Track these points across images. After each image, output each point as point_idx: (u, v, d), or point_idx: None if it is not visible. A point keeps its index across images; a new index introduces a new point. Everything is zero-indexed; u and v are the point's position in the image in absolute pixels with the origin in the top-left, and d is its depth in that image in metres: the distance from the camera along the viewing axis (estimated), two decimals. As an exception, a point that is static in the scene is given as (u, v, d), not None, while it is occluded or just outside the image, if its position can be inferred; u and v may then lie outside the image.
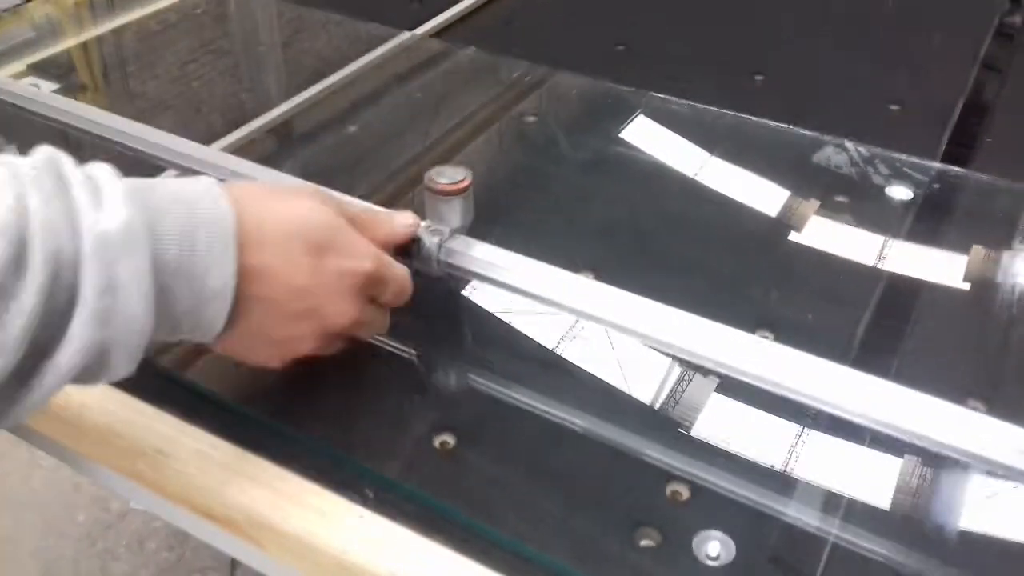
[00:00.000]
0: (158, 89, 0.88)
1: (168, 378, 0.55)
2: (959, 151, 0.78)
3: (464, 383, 0.56)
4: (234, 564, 1.55)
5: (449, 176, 0.57)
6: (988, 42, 0.95)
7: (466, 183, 0.58)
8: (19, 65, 0.91)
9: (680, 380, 0.54)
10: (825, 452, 0.49)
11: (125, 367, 0.41)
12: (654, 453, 0.50)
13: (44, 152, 0.41)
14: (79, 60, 0.95)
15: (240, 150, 0.76)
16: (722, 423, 0.51)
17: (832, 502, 0.46)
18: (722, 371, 0.49)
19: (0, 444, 1.76)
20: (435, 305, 0.59)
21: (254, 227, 0.45)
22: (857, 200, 0.70)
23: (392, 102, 0.86)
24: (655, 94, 0.83)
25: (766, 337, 0.55)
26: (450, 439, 0.51)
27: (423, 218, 0.57)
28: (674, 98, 0.82)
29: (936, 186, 0.72)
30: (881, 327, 0.58)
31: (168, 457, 0.51)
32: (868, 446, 0.49)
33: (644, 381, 0.54)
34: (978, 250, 0.64)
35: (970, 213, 0.71)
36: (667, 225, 0.70)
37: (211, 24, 1.01)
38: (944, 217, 0.70)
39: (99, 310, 0.39)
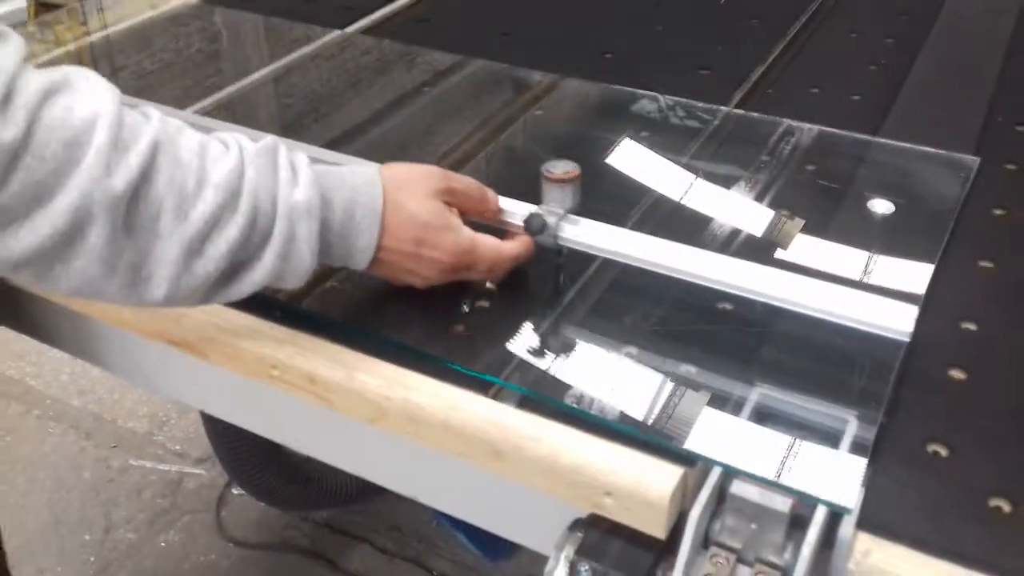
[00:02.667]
0: (135, 79, 1.14)
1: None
2: (748, 101, 1.02)
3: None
4: (219, 505, 1.78)
5: (563, 167, 0.74)
6: (799, 24, 1.20)
7: (576, 173, 0.74)
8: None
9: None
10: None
11: (293, 285, 0.64)
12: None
13: (268, 139, 0.63)
14: (71, 59, 1.20)
15: (208, 113, 1.01)
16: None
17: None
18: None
19: (13, 418, 2.01)
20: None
21: (388, 214, 0.66)
22: (659, 134, 0.95)
23: (329, 85, 1.11)
24: (535, 71, 1.08)
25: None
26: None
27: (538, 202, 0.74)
28: (550, 73, 1.07)
29: (715, 122, 0.96)
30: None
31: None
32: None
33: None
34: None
35: (735, 139, 0.95)
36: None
37: (180, 33, 1.27)
38: (719, 141, 0.94)
39: (282, 251, 0.61)
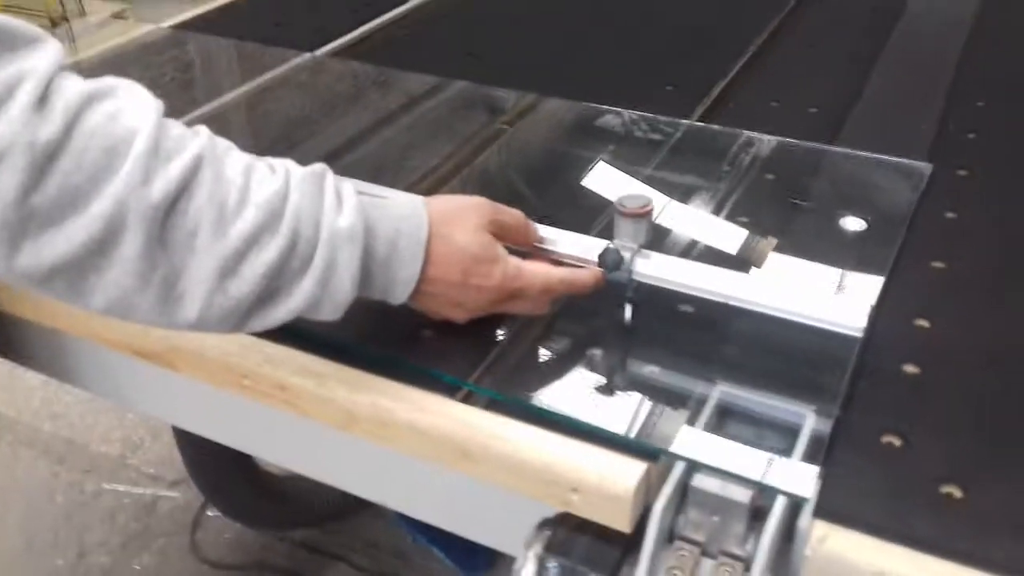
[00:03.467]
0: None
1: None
2: (710, 115, 1.05)
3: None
4: (194, 527, 1.78)
5: (637, 201, 0.70)
6: (760, 40, 1.23)
7: (651, 207, 0.70)
8: None
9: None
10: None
11: (330, 316, 0.62)
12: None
13: (317, 165, 0.62)
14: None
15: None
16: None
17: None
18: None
19: (-15, 444, 1.98)
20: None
21: (435, 245, 0.64)
22: (623, 147, 0.97)
23: (299, 108, 1.13)
24: (502, 90, 1.10)
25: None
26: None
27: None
28: (518, 91, 1.09)
29: (677, 135, 0.99)
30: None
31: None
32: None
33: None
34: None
35: (696, 151, 0.98)
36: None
37: (150, 61, 1.28)
38: (681, 154, 0.97)
39: (322, 277, 0.59)
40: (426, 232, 0.64)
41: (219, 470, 1.56)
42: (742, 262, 0.78)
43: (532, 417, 0.64)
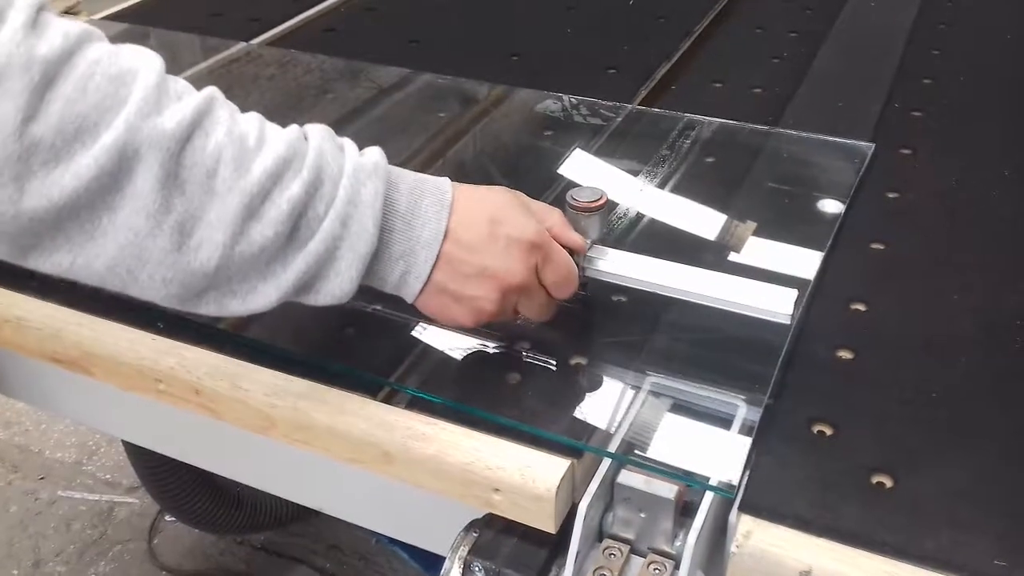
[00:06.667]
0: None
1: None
2: (653, 98, 1.03)
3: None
4: (151, 534, 1.74)
5: (588, 195, 0.66)
6: (706, 22, 1.21)
7: (603, 200, 0.66)
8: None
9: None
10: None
11: (345, 280, 0.55)
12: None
13: (322, 126, 0.57)
14: None
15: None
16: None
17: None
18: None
19: (-63, 454, 1.94)
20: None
21: (460, 201, 0.59)
22: (563, 132, 0.95)
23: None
24: (439, 75, 1.07)
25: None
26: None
27: None
28: (455, 77, 1.06)
29: (618, 119, 0.97)
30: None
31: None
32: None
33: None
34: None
35: (636, 134, 0.95)
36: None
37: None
38: (620, 137, 0.94)
39: (343, 213, 0.53)
40: (449, 188, 0.59)
41: (172, 478, 1.52)
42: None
43: (455, 416, 0.61)
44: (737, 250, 0.75)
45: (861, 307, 0.70)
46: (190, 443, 0.78)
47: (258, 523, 1.67)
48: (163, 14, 1.29)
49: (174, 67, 1.21)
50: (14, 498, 1.83)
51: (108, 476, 1.87)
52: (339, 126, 0.99)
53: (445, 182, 0.60)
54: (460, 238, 0.58)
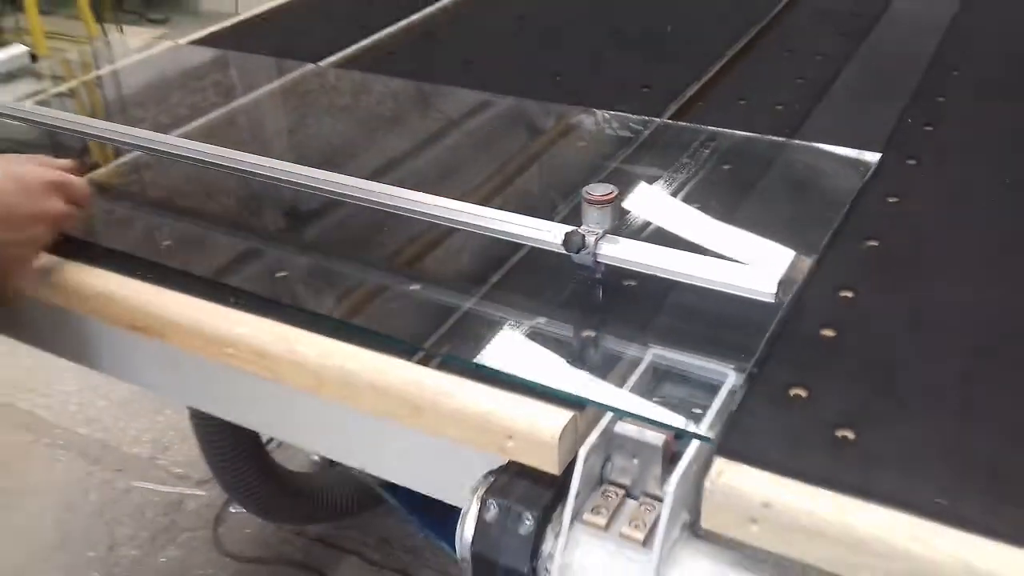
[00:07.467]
0: (124, 109, 1.25)
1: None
2: (681, 114, 1.12)
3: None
4: (217, 523, 1.86)
5: (601, 190, 0.75)
6: (738, 46, 1.30)
7: (614, 195, 0.74)
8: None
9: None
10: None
11: None
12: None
13: None
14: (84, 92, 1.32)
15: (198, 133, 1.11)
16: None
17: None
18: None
19: (23, 446, 2.10)
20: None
21: None
22: (593, 143, 1.05)
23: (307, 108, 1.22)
24: (486, 92, 1.18)
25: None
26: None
27: (579, 224, 0.76)
28: (499, 94, 1.17)
29: (646, 132, 1.06)
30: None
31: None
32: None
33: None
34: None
35: (661, 145, 1.04)
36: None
37: (169, 69, 1.38)
38: (647, 148, 1.03)
39: None
40: None
41: (240, 468, 1.64)
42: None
43: (479, 375, 0.70)
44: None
45: (849, 294, 0.77)
46: (246, 405, 0.89)
47: (316, 515, 1.78)
48: (241, 39, 1.43)
49: (250, 86, 1.34)
50: (93, 487, 1.98)
51: (179, 470, 2.00)
52: (397, 134, 1.12)
53: None
54: None
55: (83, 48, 2.25)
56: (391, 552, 1.77)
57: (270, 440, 1.75)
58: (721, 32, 1.34)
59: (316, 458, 1.88)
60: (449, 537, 1.61)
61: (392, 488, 1.61)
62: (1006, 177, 0.94)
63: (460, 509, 0.69)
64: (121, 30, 4.19)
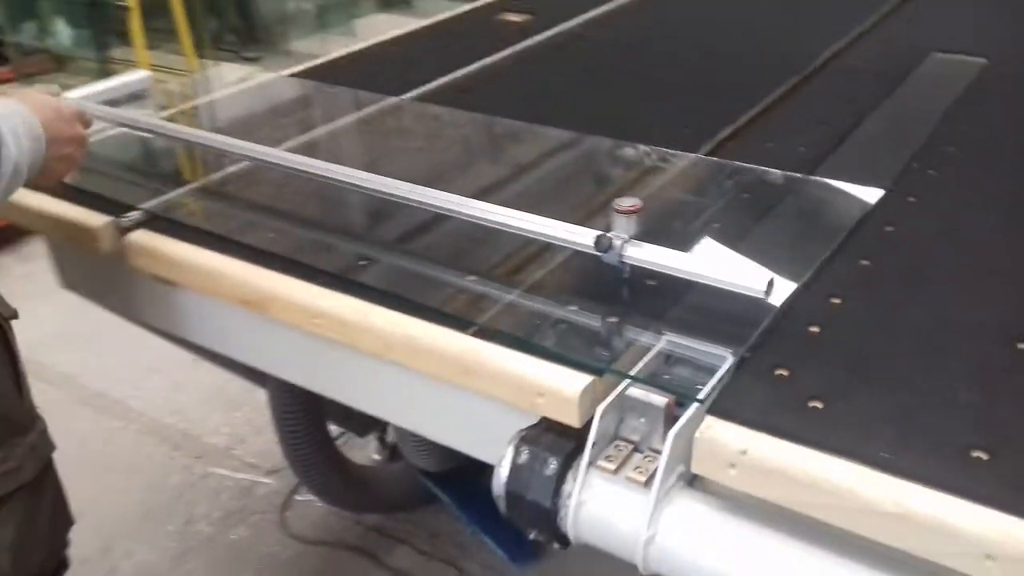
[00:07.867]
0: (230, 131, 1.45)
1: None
2: (713, 152, 1.27)
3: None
4: (284, 508, 2.04)
5: (629, 202, 0.91)
6: (771, 97, 1.45)
7: (640, 206, 0.91)
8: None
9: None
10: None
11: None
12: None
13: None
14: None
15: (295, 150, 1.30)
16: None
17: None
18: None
19: (114, 431, 2.31)
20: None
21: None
22: (630, 171, 1.21)
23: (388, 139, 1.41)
24: (543, 126, 1.35)
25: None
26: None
27: (607, 230, 0.91)
28: (554, 127, 1.34)
29: (681, 164, 1.21)
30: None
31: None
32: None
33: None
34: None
35: (692, 174, 1.20)
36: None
37: (269, 96, 1.58)
38: (678, 177, 1.19)
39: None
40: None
41: (313, 458, 1.81)
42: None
43: (517, 346, 0.86)
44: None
45: (838, 300, 0.91)
46: (325, 373, 1.06)
47: (375, 506, 1.95)
48: (330, 73, 1.63)
49: (334, 115, 1.53)
50: (175, 471, 2.17)
51: (252, 460, 2.19)
52: (460, 156, 1.30)
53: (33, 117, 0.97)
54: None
55: (183, 80, 2.51)
56: (440, 545, 1.92)
57: (339, 435, 1.93)
58: (759, 85, 1.49)
59: (376, 456, 2.04)
60: (496, 535, 1.76)
61: (445, 486, 1.77)
62: (993, 216, 1.07)
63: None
64: (218, 65, 4.49)
